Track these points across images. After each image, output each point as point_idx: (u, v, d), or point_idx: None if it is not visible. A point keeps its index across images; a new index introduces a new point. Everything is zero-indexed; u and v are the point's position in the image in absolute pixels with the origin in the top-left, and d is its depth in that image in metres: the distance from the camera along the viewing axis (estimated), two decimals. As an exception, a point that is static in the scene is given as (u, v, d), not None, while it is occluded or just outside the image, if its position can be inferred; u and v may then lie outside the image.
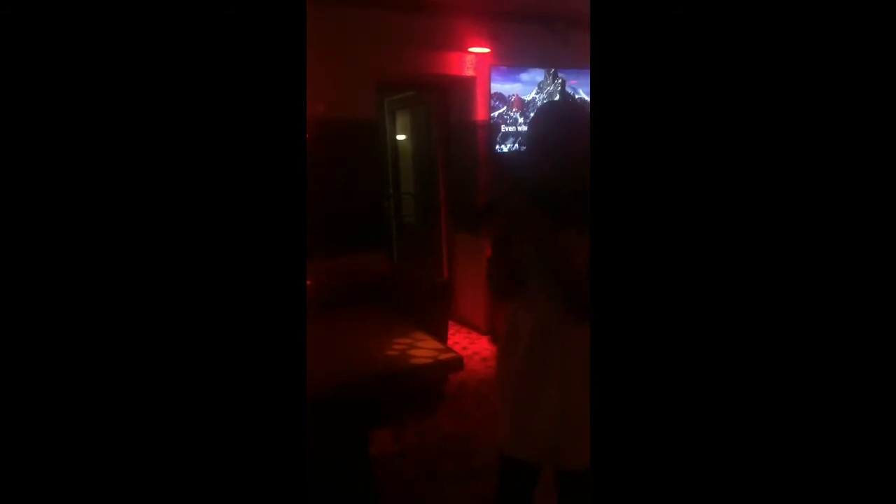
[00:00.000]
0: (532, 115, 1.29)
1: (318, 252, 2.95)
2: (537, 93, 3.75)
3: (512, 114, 3.70)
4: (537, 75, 3.75)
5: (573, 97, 3.87)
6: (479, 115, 3.69)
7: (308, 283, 2.76)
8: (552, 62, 3.75)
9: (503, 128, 3.71)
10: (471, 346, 3.41)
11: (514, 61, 3.64)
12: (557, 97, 3.76)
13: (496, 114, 3.66)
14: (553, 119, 1.20)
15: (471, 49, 3.50)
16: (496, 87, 3.62)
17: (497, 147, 3.67)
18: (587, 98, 3.97)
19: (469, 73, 3.57)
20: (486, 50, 3.53)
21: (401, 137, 4.47)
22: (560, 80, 3.80)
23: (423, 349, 1.86)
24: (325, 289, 2.59)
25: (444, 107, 3.86)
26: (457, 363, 1.82)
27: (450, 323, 3.03)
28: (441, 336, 2.14)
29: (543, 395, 1.18)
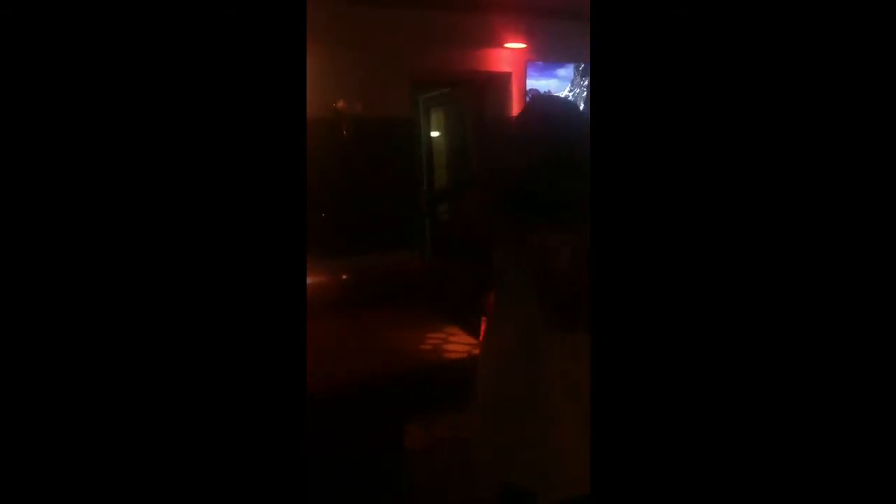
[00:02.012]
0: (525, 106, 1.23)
1: (353, 250, 2.99)
2: (570, 90, 3.70)
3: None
4: (573, 71, 3.70)
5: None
6: (515, 111, 3.66)
7: (343, 277, 2.80)
8: (587, 57, 3.69)
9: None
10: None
11: (550, 56, 3.60)
12: (587, 93, 3.69)
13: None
14: (544, 113, 1.13)
15: (506, 45, 3.48)
16: (531, 83, 3.59)
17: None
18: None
19: (505, 69, 3.55)
20: (522, 45, 3.51)
21: (435, 134, 4.48)
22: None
23: (457, 344, 1.87)
24: (361, 286, 2.62)
25: (479, 103, 3.85)
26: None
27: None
28: (475, 331, 2.14)
29: (529, 417, 1.09)
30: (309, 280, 2.26)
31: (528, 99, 3.58)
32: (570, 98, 3.67)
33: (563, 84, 3.69)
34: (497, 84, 3.69)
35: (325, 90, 2.91)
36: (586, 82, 3.74)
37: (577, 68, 3.69)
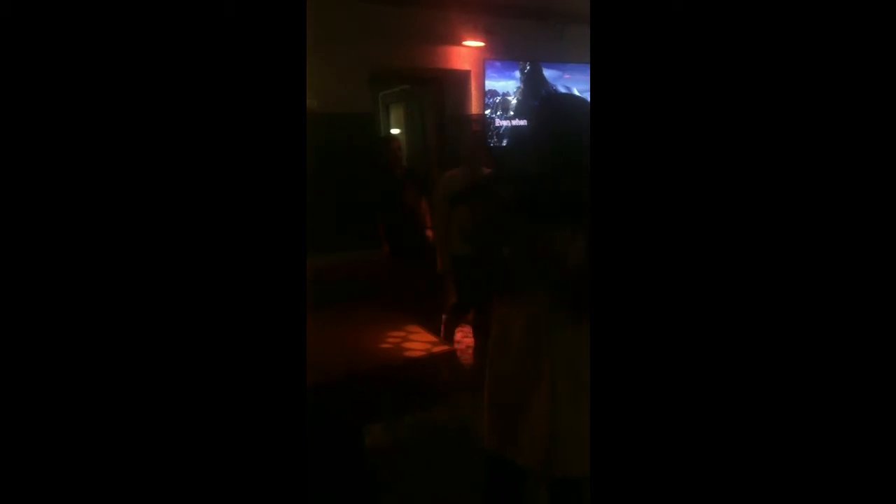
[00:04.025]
0: (536, 105, 1.25)
1: (312, 247, 2.94)
2: (520, 89, 3.73)
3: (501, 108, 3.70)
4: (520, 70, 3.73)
5: (571, 92, 3.87)
6: (474, 108, 3.69)
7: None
8: (547, 57, 3.75)
9: (497, 122, 3.71)
10: (464, 339, 3.42)
11: (508, 56, 3.64)
12: (543, 91, 3.73)
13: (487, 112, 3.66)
14: (552, 112, 1.17)
15: (465, 42, 3.50)
16: (491, 83, 3.62)
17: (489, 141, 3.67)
18: (579, 94, 3.97)
19: (464, 66, 3.57)
20: (481, 44, 3.53)
21: (395, 131, 4.46)
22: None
23: (417, 342, 1.87)
24: (319, 284, 2.59)
25: (439, 100, 3.86)
26: (450, 356, 1.83)
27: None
28: (435, 329, 2.15)
29: (533, 400, 1.16)
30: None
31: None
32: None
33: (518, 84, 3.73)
34: (456, 81, 3.70)
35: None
36: (538, 80, 3.79)
37: (522, 67, 3.70)
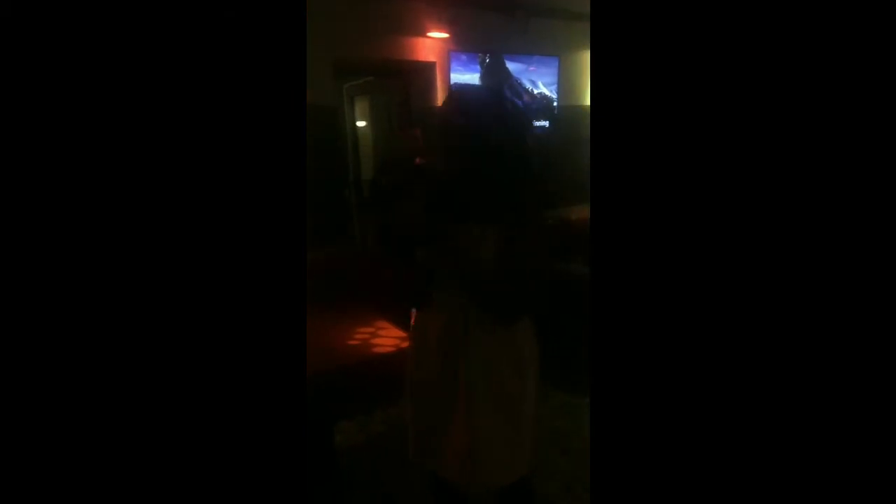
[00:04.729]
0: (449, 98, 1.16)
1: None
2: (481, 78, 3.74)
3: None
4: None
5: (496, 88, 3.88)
6: (439, 100, 3.66)
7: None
8: (512, 49, 3.75)
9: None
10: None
11: (473, 47, 3.63)
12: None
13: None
14: (456, 106, 1.11)
15: (430, 34, 3.47)
16: (457, 76, 3.60)
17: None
18: (538, 88, 4.00)
19: (429, 58, 3.54)
20: (445, 35, 3.51)
21: (361, 124, 4.40)
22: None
23: (386, 338, 1.86)
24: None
25: (404, 92, 3.82)
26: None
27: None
28: (404, 324, 2.13)
29: (454, 409, 1.11)
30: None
31: (451, 88, 3.59)
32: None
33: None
34: (421, 73, 3.67)
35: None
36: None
37: (482, 60, 3.70)
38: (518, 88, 3.74)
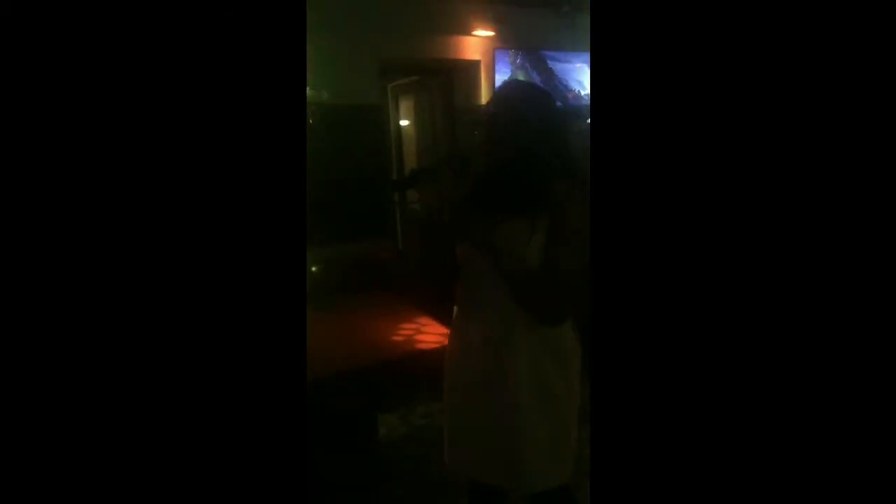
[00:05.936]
0: (495, 92, 1.14)
1: (324, 239, 2.96)
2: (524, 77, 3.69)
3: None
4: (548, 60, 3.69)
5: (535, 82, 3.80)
6: (485, 99, 3.66)
7: (312, 269, 2.78)
8: (557, 45, 3.71)
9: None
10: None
11: (519, 45, 3.61)
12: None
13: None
14: (510, 100, 1.09)
15: (475, 32, 3.47)
16: (502, 75, 3.58)
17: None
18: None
19: (473, 56, 3.54)
20: (491, 33, 3.50)
21: (404, 123, 4.45)
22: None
23: (430, 334, 1.88)
24: (331, 277, 2.61)
25: (449, 91, 3.84)
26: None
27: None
28: (448, 320, 2.16)
29: (496, 414, 1.08)
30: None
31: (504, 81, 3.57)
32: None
33: (529, 75, 3.70)
34: (466, 72, 3.68)
35: (291, 78, 2.85)
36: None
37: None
38: (559, 87, 3.69)
